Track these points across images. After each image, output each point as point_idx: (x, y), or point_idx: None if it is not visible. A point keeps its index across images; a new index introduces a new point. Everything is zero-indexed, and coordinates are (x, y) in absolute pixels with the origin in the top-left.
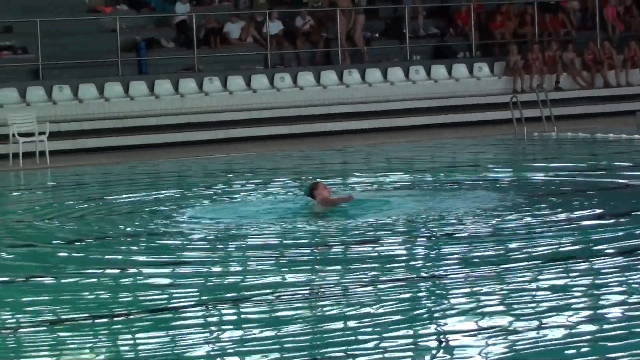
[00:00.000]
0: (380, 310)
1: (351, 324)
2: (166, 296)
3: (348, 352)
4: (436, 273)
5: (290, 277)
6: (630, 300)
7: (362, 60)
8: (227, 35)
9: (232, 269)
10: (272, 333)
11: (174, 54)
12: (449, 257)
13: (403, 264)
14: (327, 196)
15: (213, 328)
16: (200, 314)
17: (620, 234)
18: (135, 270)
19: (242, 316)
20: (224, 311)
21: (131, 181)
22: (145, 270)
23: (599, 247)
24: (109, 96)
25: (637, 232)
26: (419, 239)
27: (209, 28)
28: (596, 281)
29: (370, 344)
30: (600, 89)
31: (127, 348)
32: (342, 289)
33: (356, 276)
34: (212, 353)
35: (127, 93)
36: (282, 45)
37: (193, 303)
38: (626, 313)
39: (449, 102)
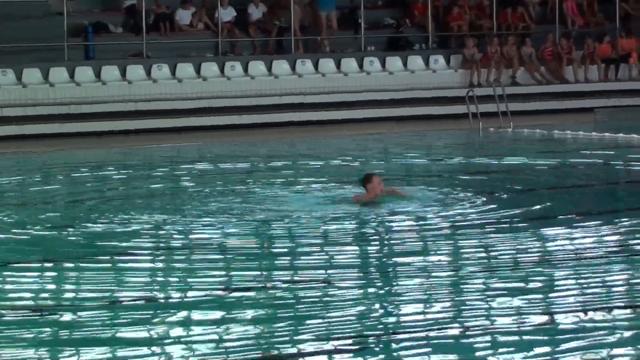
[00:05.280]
0: None
1: None
2: None
3: None
4: None
5: None
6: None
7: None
8: (177, 22)
9: None
10: None
11: (122, 40)
12: None
13: None
14: (377, 190)
15: None
16: None
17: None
18: None
19: None
20: None
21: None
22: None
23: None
24: (55, 81)
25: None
26: None
27: (158, 13)
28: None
29: None
30: (558, 85)
31: None
32: None
33: None
34: None
35: (73, 79)
36: (234, 33)
37: None
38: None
39: (404, 95)
